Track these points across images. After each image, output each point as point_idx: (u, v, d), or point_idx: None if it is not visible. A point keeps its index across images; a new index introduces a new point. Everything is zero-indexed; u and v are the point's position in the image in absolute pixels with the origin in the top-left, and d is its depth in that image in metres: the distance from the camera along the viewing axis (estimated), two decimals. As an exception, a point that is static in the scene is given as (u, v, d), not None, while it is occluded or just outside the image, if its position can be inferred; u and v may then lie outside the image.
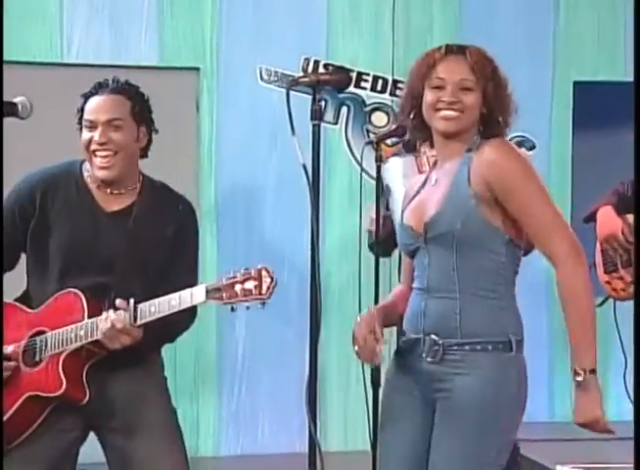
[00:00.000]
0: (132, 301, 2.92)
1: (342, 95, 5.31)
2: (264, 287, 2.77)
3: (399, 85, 5.35)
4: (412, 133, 2.84)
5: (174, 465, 3.09)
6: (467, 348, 2.68)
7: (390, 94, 5.41)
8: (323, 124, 3.18)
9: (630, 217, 3.83)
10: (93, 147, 3.05)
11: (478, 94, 2.72)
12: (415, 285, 2.80)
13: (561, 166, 5.51)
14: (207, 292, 2.82)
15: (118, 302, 2.92)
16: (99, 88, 3.11)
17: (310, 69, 5.32)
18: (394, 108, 5.26)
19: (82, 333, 2.93)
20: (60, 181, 3.14)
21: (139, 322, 2.90)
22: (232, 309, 2.81)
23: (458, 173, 2.70)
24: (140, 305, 2.92)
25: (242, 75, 5.26)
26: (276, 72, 5.31)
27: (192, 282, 3.03)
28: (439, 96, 2.70)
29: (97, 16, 5.12)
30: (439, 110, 2.70)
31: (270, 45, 5.29)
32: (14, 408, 3.00)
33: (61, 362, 2.96)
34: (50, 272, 3.09)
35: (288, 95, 2.84)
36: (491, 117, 2.75)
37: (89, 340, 2.93)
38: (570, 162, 5.55)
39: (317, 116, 2.95)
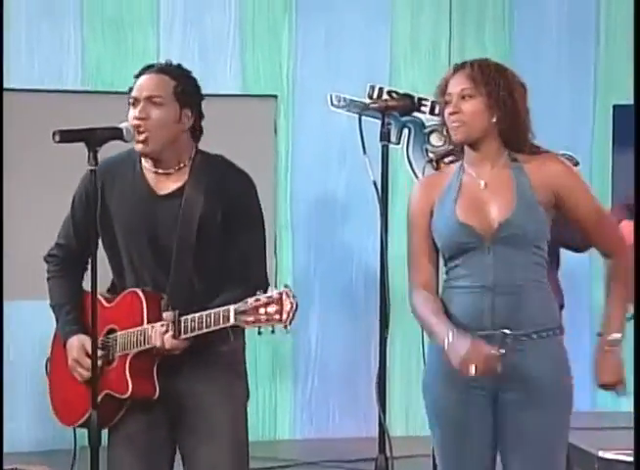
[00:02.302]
0: (176, 314, 2.64)
1: (404, 118, 5.20)
2: (284, 312, 2.47)
3: (455, 109, 5.29)
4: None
5: None
6: (534, 336, 2.56)
7: (447, 117, 5.29)
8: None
9: None
10: (134, 122, 2.69)
11: (479, 99, 2.56)
12: (466, 283, 2.60)
13: (602, 181, 5.35)
14: (236, 314, 2.52)
15: (165, 315, 2.66)
16: (147, 68, 2.77)
17: (375, 95, 5.19)
18: (451, 130, 5.28)
19: (142, 338, 2.70)
20: (120, 167, 2.80)
21: (182, 337, 2.64)
22: (259, 333, 2.53)
23: (517, 181, 2.60)
24: (183, 319, 2.64)
25: (314, 101, 5.11)
26: (345, 98, 5.16)
27: (247, 276, 2.69)
28: (448, 110, 2.60)
29: (188, 51, 5.08)
30: (450, 122, 2.59)
31: (339, 74, 5.20)
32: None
33: (127, 364, 2.72)
34: (117, 261, 2.80)
35: (360, 119, 2.78)
36: (502, 119, 2.57)
37: (147, 346, 2.68)
38: (610, 176, 5.42)
39: (386, 137, 2.94)
